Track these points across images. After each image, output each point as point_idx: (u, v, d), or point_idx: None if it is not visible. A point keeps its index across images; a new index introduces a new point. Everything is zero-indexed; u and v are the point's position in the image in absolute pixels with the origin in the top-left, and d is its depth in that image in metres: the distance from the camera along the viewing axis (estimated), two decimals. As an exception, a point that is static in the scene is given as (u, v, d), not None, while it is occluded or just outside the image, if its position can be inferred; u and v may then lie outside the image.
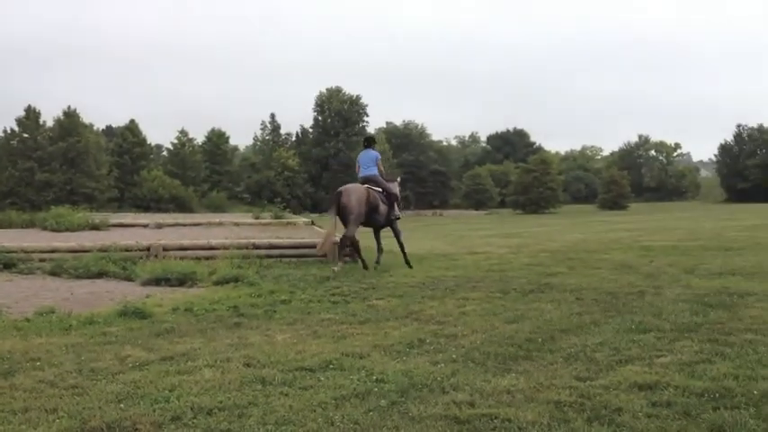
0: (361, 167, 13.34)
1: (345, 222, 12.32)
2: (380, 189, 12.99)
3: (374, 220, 12.92)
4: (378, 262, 12.92)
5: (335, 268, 11.87)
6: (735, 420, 4.16)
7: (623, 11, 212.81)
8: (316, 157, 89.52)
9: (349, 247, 12.64)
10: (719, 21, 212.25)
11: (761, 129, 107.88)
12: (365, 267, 12.46)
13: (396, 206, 13.28)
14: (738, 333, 6.51)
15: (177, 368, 5.60)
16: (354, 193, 12.38)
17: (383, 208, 12.90)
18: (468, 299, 8.96)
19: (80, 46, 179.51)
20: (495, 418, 4.31)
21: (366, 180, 13.03)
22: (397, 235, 13.35)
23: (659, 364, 5.47)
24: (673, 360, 5.59)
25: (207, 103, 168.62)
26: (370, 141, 13.81)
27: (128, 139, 79.04)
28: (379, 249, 13.37)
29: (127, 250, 13.05)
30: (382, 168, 13.38)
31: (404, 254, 13.18)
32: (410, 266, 12.76)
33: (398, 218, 13.46)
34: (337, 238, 12.68)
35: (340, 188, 12.55)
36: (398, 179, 14.10)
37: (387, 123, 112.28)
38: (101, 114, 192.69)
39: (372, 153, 13.40)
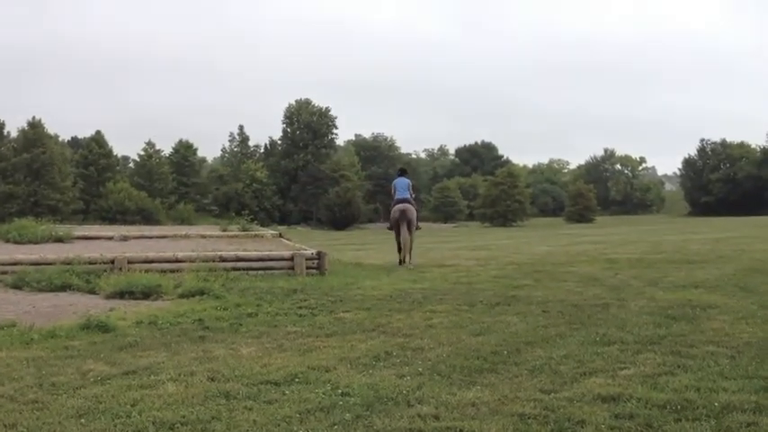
0: (398, 191, 16.56)
1: (410, 231, 16.03)
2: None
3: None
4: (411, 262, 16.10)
5: (411, 267, 15.43)
6: (696, 432, 4.22)
7: (589, 27, 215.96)
8: (284, 169, 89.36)
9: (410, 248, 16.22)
10: (682, 38, 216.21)
11: (724, 143, 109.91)
12: (401, 263, 15.90)
13: (418, 221, 16.88)
14: (700, 345, 6.59)
15: (140, 382, 5.53)
16: (413, 211, 16.29)
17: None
18: (435, 311, 8.97)
19: (46, 56, 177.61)
20: (460, 431, 4.32)
21: (401, 202, 16.33)
22: (412, 240, 16.41)
23: (622, 377, 5.52)
24: (636, 372, 5.64)
25: (174, 115, 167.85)
26: (403, 171, 17.92)
27: (93, 151, 78.23)
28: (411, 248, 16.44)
29: (91, 263, 12.85)
30: (413, 193, 16.93)
31: (410, 253, 16.21)
32: (410, 261, 15.94)
33: (419, 227, 17.35)
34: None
35: (401, 207, 16.20)
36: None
37: (356, 136, 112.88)
38: (66, 125, 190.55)
39: (406, 180, 16.84)
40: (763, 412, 4.54)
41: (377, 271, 14.69)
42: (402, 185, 16.64)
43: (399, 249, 16.29)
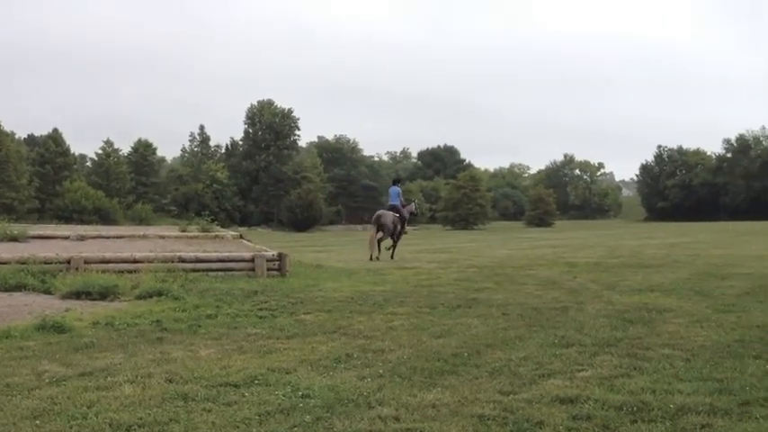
0: (390, 198, 19.80)
1: (383, 232, 18.92)
2: (398, 214, 19.30)
3: (394, 232, 19.24)
4: (392, 257, 19.10)
5: (376, 256, 18.61)
6: (651, 433, 4.28)
7: (551, 36, 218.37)
8: (246, 169, 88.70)
9: (378, 243, 18.99)
10: (642, 48, 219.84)
11: (680, 150, 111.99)
12: (377, 258, 18.54)
13: (405, 225, 19.69)
14: (656, 348, 6.70)
15: (96, 384, 5.45)
16: (388, 216, 19.02)
17: (399, 227, 19.24)
18: (396, 314, 8.99)
19: (1, 52, 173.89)
20: (420, 432, 4.33)
21: (391, 207, 19.41)
22: (398, 239, 19.45)
23: (580, 378, 5.58)
24: (593, 374, 5.72)
25: (134, 114, 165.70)
26: (396, 181, 21.50)
27: (50, 149, 76.91)
28: (394, 247, 19.53)
29: (46, 263, 12.60)
30: (402, 200, 19.91)
31: (394, 248, 19.35)
32: (392, 258, 18.87)
33: (406, 232, 20.09)
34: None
35: (379, 212, 19.33)
36: (415, 202, 21.67)
37: (318, 138, 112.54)
38: (22, 123, 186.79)
39: (397, 189, 20.05)
40: (718, 414, 4.63)
41: (338, 273, 14.69)
42: (393, 193, 19.92)
43: (379, 243, 19.04)
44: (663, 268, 15.41)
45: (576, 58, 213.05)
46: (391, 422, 4.52)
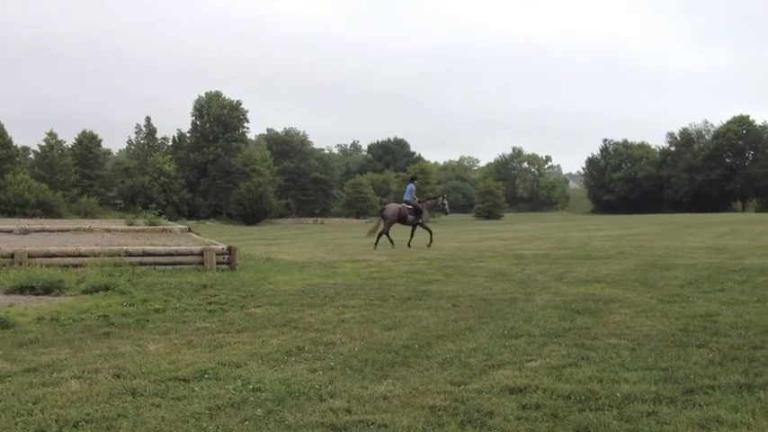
0: (406, 193, 22.20)
1: (384, 223, 21.11)
2: (411, 207, 21.62)
3: (406, 223, 21.70)
4: (409, 245, 21.07)
5: (375, 245, 20.50)
6: (599, 421, 4.36)
7: (500, 30, 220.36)
8: (194, 162, 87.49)
9: (386, 235, 20.93)
10: (587, 42, 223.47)
11: (625, 144, 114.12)
12: (390, 242, 20.93)
13: (422, 215, 21.72)
14: (603, 338, 6.83)
15: (42, 380, 5.34)
16: (391, 209, 21.60)
17: (411, 218, 21.51)
18: (347, 306, 8.99)
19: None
20: (372, 424, 4.34)
21: (405, 201, 21.84)
22: (428, 229, 21.87)
23: (529, 368, 5.66)
24: (542, 364, 5.80)
25: (78, 105, 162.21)
26: (412, 179, 24.02)
27: (-9, 141, 74.70)
28: (411, 236, 21.95)
29: (-12, 257, 12.31)
30: (414, 195, 22.08)
31: (375, 236, 21.25)
32: (429, 244, 21.18)
33: (422, 222, 21.80)
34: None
35: (384, 205, 22.30)
36: (442, 197, 23.49)
37: (268, 130, 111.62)
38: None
39: (411, 186, 22.52)
40: (663, 402, 4.74)
41: (288, 266, 14.62)
42: (408, 190, 22.35)
43: (380, 235, 20.91)
44: (609, 260, 15.70)
45: (524, 54, 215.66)
46: (343, 414, 4.53)
